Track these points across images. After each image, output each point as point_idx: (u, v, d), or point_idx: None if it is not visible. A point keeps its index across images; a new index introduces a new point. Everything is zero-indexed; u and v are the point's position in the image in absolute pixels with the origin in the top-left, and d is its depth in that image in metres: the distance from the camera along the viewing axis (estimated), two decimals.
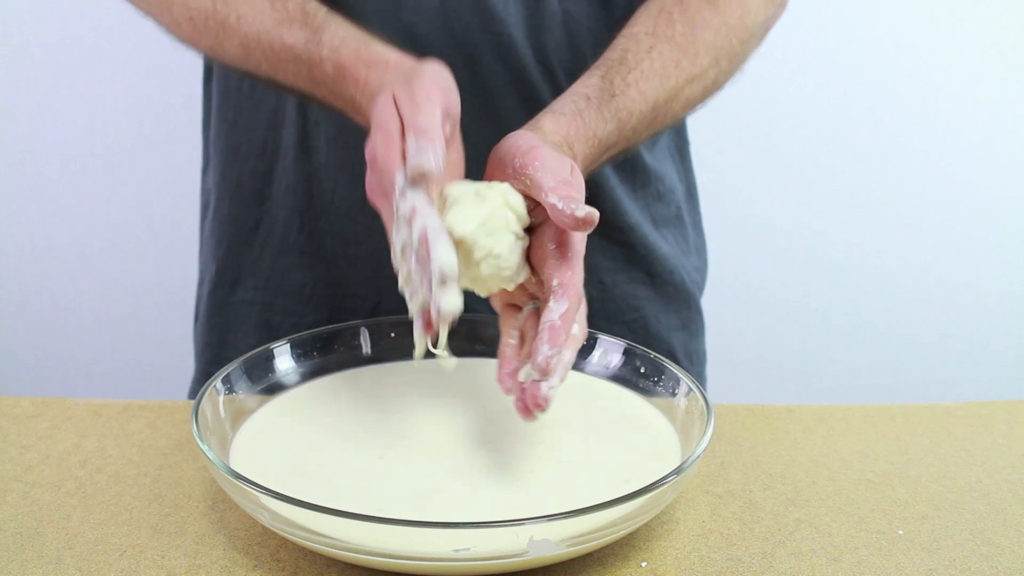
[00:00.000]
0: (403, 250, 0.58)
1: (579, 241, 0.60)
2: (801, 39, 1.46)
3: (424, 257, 0.55)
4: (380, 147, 0.58)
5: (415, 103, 0.57)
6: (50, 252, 1.59)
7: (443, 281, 0.55)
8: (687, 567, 0.59)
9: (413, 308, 0.58)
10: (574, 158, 0.67)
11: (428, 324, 0.57)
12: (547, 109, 0.69)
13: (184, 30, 0.76)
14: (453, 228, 0.58)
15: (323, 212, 0.85)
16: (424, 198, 0.56)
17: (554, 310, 0.57)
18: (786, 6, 0.83)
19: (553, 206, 0.57)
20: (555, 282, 0.58)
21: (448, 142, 0.61)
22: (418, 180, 0.55)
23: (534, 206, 0.60)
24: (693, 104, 0.77)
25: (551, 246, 0.60)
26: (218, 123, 0.88)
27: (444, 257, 0.55)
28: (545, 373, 0.56)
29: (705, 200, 0.97)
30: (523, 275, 0.61)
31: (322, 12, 0.70)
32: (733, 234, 1.55)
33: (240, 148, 0.87)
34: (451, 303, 0.55)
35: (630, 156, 0.86)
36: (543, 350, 0.56)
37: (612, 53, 0.73)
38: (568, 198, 0.57)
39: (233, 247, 0.89)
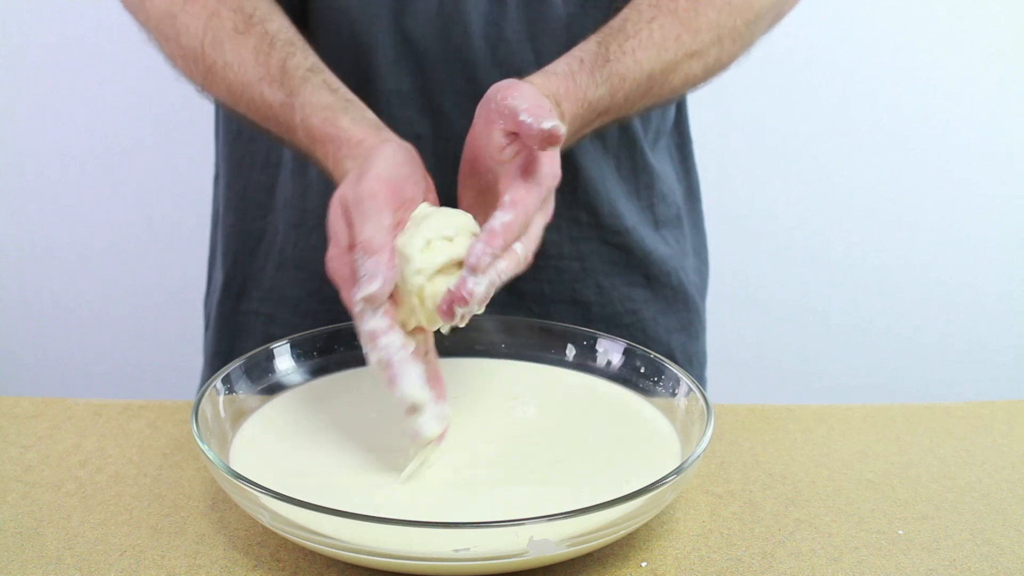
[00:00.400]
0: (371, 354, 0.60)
1: (545, 168, 0.60)
2: (803, 38, 1.46)
3: (389, 382, 0.58)
4: (333, 265, 0.61)
5: (360, 211, 0.59)
6: (50, 252, 1.59)
7: (413, 410, 0.58)
8: (687, 567, 0.59)
9: (371, 362, 0.60)
10: (562, 116, 0.66)
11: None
12: (540, 70, 0.68)
13: (178, 64, 0.76)
14: (410, 279, 0.59)
15: (316, 227, 0.85)
16: (383, 322, 0.58)
17: (496, 218, 0.58)
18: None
19: (522, 122, 0.58)
20: (507, 197, 0.59)
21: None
22: (370, 304, 0.58)
23: (512, 141, 0.61)
24: (693, 81, 0.76)
25: (517, 172, 0.60)
26: (224, 133, 0.88)
27: (410, 391, 0.58)
28: (474, 269, 0.57)
29: (706, 199, 0.97)
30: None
31: (301, 71, 0.69)
32: (733, 235, 1.55)
33: (244, 159, 0.87)
34: (427, 428, 0.59)
35: (632, 154, 0.86)
36: (476, 247, 0.57)
37: (613, 22, 0.73)
38: (538, 114, 0.58)
39: (239, 259, 0.89)
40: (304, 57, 0.70)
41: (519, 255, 0.59)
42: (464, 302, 0.57)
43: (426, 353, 0.64)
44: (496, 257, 0.57)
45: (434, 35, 0.78)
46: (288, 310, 0.87)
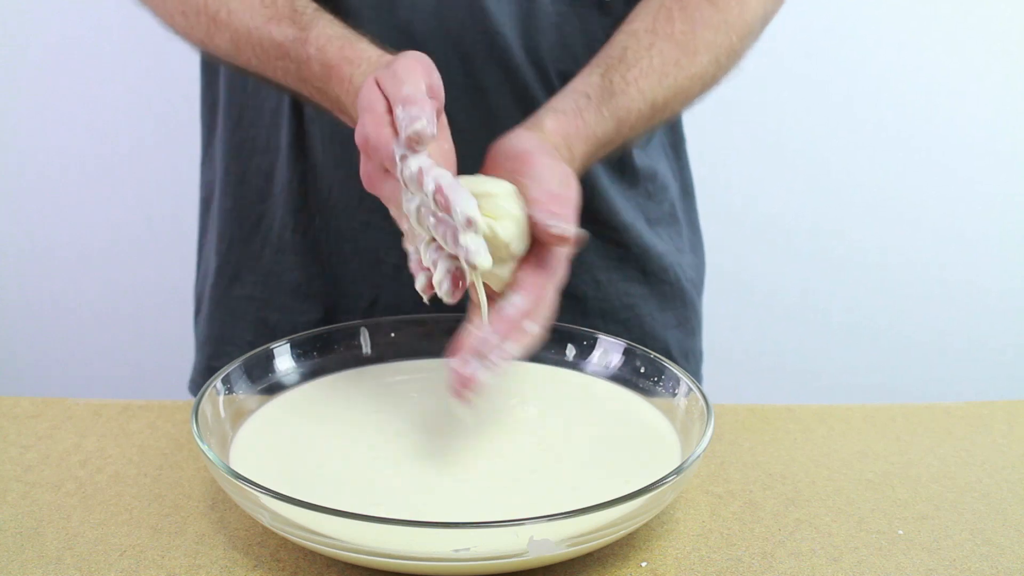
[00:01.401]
0: (418, 212, 0.57)
1: (559, 255, 0.61)
2: (798, 33, 1.46)
3: (444, 206, 0.55)
4: (370, 126, 0.58)
5: (398, 78, 0.58)
6: (50, 252, 1.59)
7: (468, 224, 0.55)
8: (687, 567, 0.59)
9: (439, 275, 0.58)
10: (572, 158, 0.67)
11: (457, 281, 0.57)
12: (547, 106, 0.69)
13: (177, 22, 0.76)
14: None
15: (319, 210, 0.85)
16: (428, 159, 0.56)
17: (512, 303, 0.58)
18: (783, 1, 0.83)
19: (536, 222, 0.58)
20: (523, 280, 0.59)
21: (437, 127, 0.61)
22: (415, 144, 0.56)
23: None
24: (691, 101, 0.77)
25: (534, 254, 0.60)
26: (225, 117, 0.88)
27: (464, 201, 0.55)
28: (478, 354, 0.57)
29: (702, 197, 0.97)
30: (522, 247, 0.60)
31: (311, 9, 0.70)
32: (731, 232, 1.55)
33: (245, 144, 0.87)
34: (479, 246, 0.55)
35: (622, 155, 0.86)
36: (484, 334, 0.57)
37: (612, 50, 0.73)
38: (551, 214, 0.58)
39: (234, 243, 0.89)
40: (309, 1, 0.71)
41: (531, 335, 0.59)
42: (467, 386, 0.57)
43: None
44: (505, 340, 0.57)
45: (430, 29, 0.78)
46: (286, 294, 0.87)
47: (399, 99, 0.57)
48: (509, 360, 0.58)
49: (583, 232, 0.58)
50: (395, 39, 0.78)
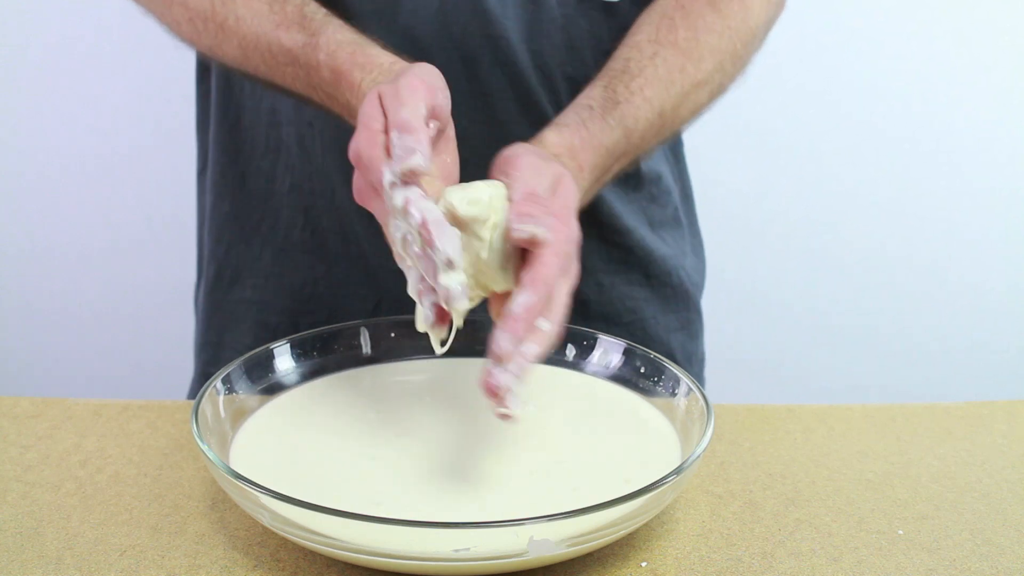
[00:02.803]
0: (403, 241, 0.57)
1: (560, 235, 0.59)
2: (798, 37, 1.46)
3: (427, 243, 0.55)
4: (363, 143, 0.58)
5: (398, 98, 0.57)
6: (50, 252, 1.59)
7: (449, 264, 0.55)
8: (687, 567, 0.59)
9: (424, 307, 0.58)
10: (580, 168, 0.66)
11: (441, 316, 0.57)
12: (551, 123, 0.68)
13: (184, 29, 0.76)
14: (456, 206, 0.57)
15: (325, 211, 0.85)
16: (417, 191, 0.56)
17: (516, 301, 0.56)
18: (785, 5, 0.83)
19: (508, 225, 0.57)
20: (524, 275, 0.58)
21: (438, 143, 0.61)
22: (409, 179, 0.55)
23: None
24: (700, 109, 0.77)
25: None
26: (218, 121, 0.88)
27: (447, 240, 0.55)
28: (498, 359, 0.55)
29: (703, 201, 0.97)
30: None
31: (320, 15, 0.70)
32: (732, 234, 1.55)
33: (243, 146, 0.87)
34: (458, 289, 0.55)
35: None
36: (498, 338, 0.55)
37: (615, 63, 0.73)
38: (518, 216, 0.57)
39: (233, 246, 0.89)
40: (319, 5, 0.71)
41: (547, 332, 0.58)
42: (496, 394, 0.55)
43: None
44: (521, 341, 0.56)
45: (433, 34, 0.78)
46: (288, 296, 0.87)
47: (395, 123, 0.56)
48: (531, 361, 0.57)
49: (541, 233, 0.57)
50: (398, 44, 0.78)
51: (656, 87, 0.71)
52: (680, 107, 0.73)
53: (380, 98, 0.59)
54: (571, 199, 0.61)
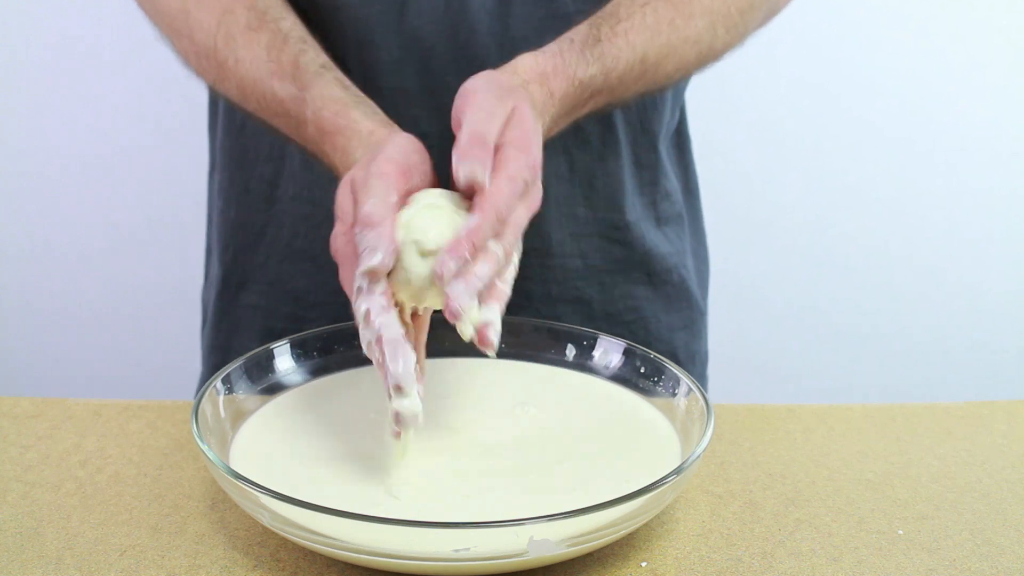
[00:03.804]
0: (369, 345, 0.58)
1: (519, 161, 0.59)
2: (804, 34, 1.46)
3: (380, 362, 0.57)
4: (339, 240, 0.60)
5: (367, 188, 0.58)
6: (50, 252, 1.59)
7: (399, 390, 0.57)
8: (687, 567, 0.59)
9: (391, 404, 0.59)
10: (550, 95, 0.66)
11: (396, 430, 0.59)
12: (531, 51, 0.68)
13: (191, 62, 0.76)
14: (424, 243, 0.57)
15: (326, 220, 0.85)
16: (380, 301, 0.57)
17: (463, 225, 0.56)
18: None
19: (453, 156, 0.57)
20: (475, 201, 0.58)
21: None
22: (372, 278, 0.57)
23: None
24: (686, 68, 0.76)
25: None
26: (225, 127, 0.88)
27: (399, 365, 0.56)
28: (440, 279, 0.55)
29: (706, 199, 0.97)
30: None
31: (314, 67, 0.69)
32: (733, 234, 1.55)
33: (248, 153, 0.87)
34: (410, 409, 0.57)
35: (648, 149, 0.86)
36: (442, 259, 0.55)
37: (605, 8, 0.73)
38: (461, 155, 0.57)
39: (239, 252, 0.89)
40: (316, 55, 0.70)
41: (498, 254, 0.57)
42: (455, 316, 0.55)
43: (416, 338, 0.64)
44: (465, 262, 0.56)
45: (440, 33, 0.77)
46: (291, 303, 0.87)
47: (360, 217, 0.57)
48: (483, 281, 0.56)
49: (534, 158, 0.57)
50: (404, 46, 0.78)
51: (642, 34, 0.71)
52: (665, 60, 0.73)
53: (353, 188, 0.59)
54: (528, 126, 0.60)
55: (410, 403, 0.57)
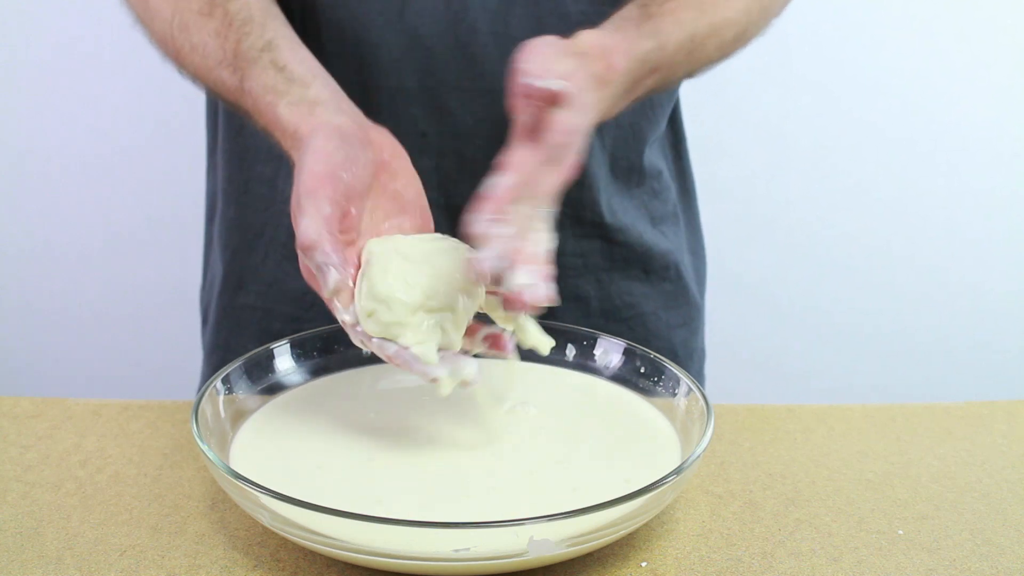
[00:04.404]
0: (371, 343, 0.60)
1: (555, 125, 0.56)
2: (804, 32, 1.46)
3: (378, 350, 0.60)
4: (303, 272, 0.61)
5: (299, 209, 0.57)
6: (50, 252, 1.59)
7: (435, 381, 0.59)
8: (687, 567, 0.59)
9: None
10: (610, 68, 0.63)
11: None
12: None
13: (159, 48, 0.76)
14: (395, 295, 0.59)
15: None
16: (393, 347, 0.60)
17: (496, 184, 0.55)
18: None
19: (522, 84, 0.55)
20: (510, 160, 0.56)
21: (386, 206, 0.62)
22: (337, 295, 0.58)
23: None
24: (724, 50, 0.75)
25: (521, 132, 0.57)
26: (226, 126, 0.88)
27: (418, 370, 0.59)
28: (477, 242, 0.55)
29: (703, 197, 0.97)
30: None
31: (252, 53, 0.67)
32: (732, 233, 1.55)
33: (248, 152, 0.87)
34: (462, 373, 0.60)
35: (628, 153, 0.86)
36: (471, 220, 0.54)
37: None
38: (539, 75, 0.55)
39: (238, 252, 0.89)
40: (259, 36, 0.68)
41: (524, 214, 0.56)
42: (482, 278, 0.55)
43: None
44: (494, 222, 0.54)
45: (440, 32, 0.77)
46: (289, 303, 0.87)
47: (298, 245, 0.57)
48: (508, 240, 0.55)
49: (577, 123, 0.55)
50: (404, 46, 0.78)
51: (689, 11, 0.71)
52: (708, 39, 0.72)
53: (292, 211, 0.59)
54: (580, 84, 0.58)
55: (452, 372, 0.59)
